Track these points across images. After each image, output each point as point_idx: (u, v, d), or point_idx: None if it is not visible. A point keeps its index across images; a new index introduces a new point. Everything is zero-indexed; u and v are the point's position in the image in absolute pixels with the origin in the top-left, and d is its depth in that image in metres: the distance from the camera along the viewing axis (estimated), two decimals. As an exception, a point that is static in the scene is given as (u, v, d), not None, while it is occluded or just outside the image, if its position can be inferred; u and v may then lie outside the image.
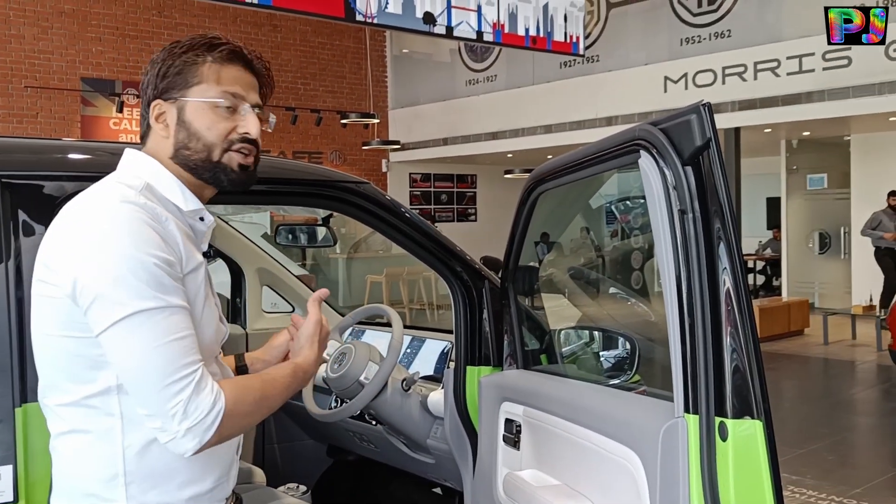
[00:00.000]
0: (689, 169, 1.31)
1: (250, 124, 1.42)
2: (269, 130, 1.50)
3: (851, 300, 11.63)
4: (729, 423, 1.28)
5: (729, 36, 11.08)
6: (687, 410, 1.33)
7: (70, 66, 12.62)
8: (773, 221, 15.13)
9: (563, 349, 2.30)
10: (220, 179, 1.43)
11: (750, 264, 15.12)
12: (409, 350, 2.98)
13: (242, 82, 1.42)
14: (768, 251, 15.07)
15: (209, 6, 13.04)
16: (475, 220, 17.24)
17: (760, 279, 15.49)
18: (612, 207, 13.53)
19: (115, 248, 1.24)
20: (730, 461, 1.27)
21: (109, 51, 12.88)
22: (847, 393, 7.81)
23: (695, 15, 11.48)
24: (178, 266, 1.30)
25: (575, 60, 12.27)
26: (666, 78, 11.44)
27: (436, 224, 15.26)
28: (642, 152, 1.39)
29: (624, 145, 1.47)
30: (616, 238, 13.35)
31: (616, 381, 1.98)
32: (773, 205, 14.91)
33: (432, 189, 16.82)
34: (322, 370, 2.61)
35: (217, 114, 1.40)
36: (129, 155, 1.43)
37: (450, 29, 8.99)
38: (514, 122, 13.52)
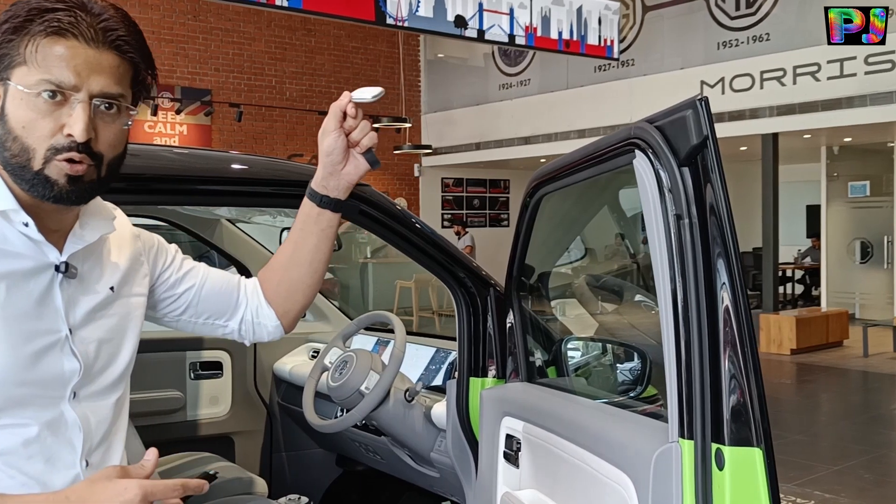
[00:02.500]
0: (685, 170, 1.20)
1: (74, 123, 1.07)
2: (127, 126, 1.14)
3: (894, 311, 11.31)
4: (726, 450, 1.15)
5: (768, 40, 10.85)
6: (682, 435, 1.21)
7: (106, 70, 12.76)
8: (813, 230, 14.79)
9: (571, 361, 2.19)
10: (41, 194, 1.10)
11: (789, 273, 14.81)
12: (418, 360, 2.88)
13: (77, 63, 1.07)
14: (808, 260, 14.73)
15: (244, 10, 13.11)
16: (507, 226, 17.12)
17: (799, 289, 15.15)
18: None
19: None
20: (726, 491, 1.15)
21: (145, 55, 13.01)
22: (887, 408, 7.56)
23: (732, 18, 11.27)
24: None
25: (609, 64, 12.10)
26: (702, 82, 11.23)
27: (468, 229, 15.18)
28: (637, 152, 1.28)
29: (619, 145, 1.35)
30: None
31: (626, 398, 1.86)
32: (813, 213, 14.58)
33: (465, 194, 16.74)
34: (323, 379, 2.54)
35: (37, 108, 1.07)
36: None
37: (481, 32, 8.90)
38: (548, 127, 13.38)
